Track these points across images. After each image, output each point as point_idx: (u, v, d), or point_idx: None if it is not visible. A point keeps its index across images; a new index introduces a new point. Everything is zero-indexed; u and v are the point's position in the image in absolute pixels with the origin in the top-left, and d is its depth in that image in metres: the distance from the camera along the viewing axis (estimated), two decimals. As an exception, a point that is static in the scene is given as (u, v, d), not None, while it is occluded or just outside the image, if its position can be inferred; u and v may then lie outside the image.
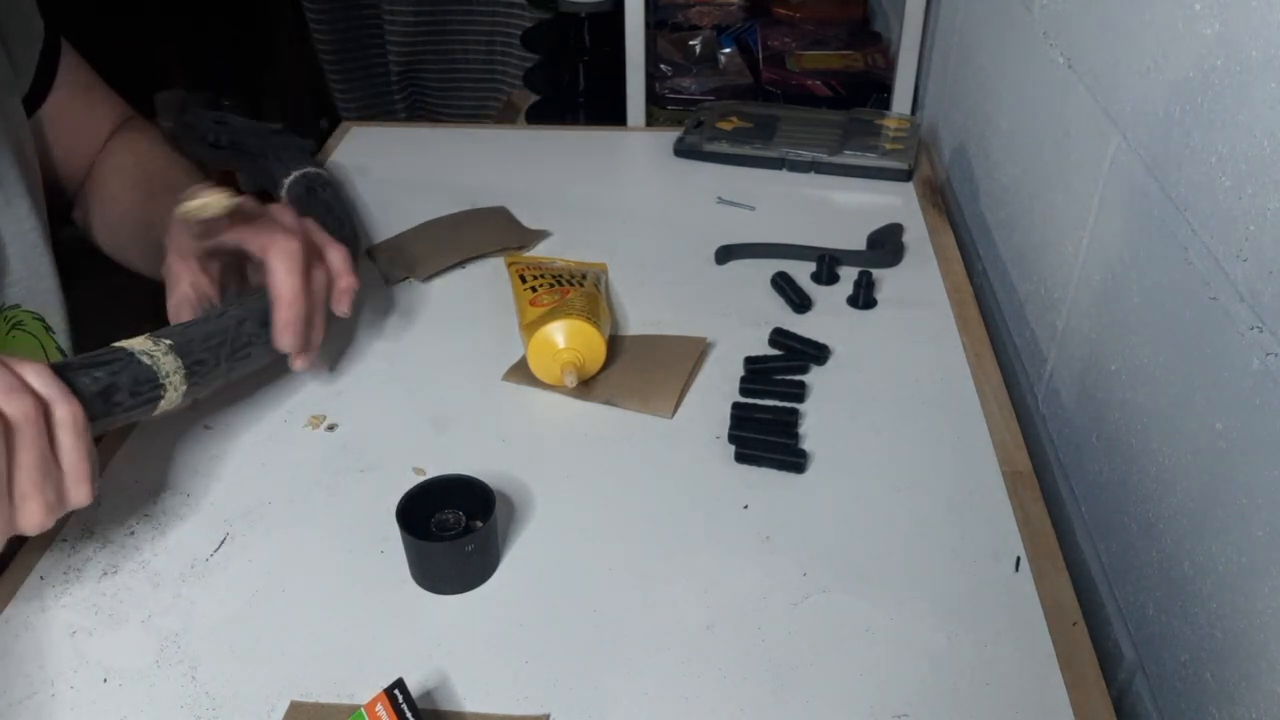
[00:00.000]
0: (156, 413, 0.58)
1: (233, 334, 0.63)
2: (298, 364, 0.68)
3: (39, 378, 0.51)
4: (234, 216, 0.66)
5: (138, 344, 0.58)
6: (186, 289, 0.67)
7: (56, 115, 0.80)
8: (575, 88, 1.51)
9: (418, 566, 0.60)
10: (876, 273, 0.87)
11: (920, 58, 1.23)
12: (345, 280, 0.69)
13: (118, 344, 0.57)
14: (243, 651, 0.56)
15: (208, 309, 0.67)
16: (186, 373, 0.59)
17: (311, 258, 0.67)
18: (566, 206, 0.98)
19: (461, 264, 0.90)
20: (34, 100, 0.78)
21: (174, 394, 0.58)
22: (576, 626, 0.57)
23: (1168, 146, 0.58)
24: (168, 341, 0.59)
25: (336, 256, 0.69)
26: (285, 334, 0.65)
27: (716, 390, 0.74)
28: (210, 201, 0.64)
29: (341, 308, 0.69)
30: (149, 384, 0.57)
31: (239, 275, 0.72)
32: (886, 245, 0.90)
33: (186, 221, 0.65)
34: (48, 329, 0.76)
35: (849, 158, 1.03)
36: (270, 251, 0.65)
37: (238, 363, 0.64)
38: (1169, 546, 0.56)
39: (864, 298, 0.84)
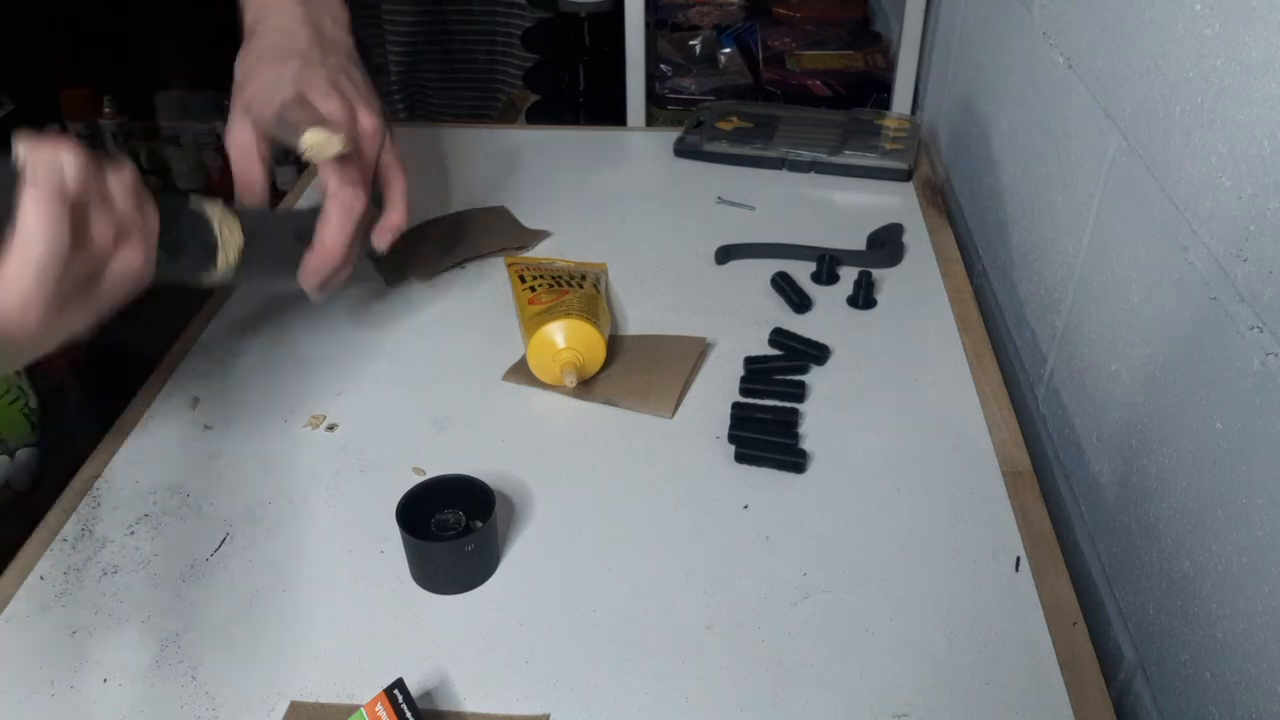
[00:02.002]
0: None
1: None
2: (317, 297, 0.70)
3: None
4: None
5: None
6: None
7: None
8: (575, 88, 1.51)
9: (418, 566, 0.60)
10: (876, 273, 0.87)
11: (920, 58, 1.23)
12: (394, 217, 0.73)
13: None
14: (243, 651, 0.56)
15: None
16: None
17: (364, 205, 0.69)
18: (566, 206, 0.98)
19: (461, 264, 0.90)
20: None
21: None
22: (576, 626, 0.57)
23: (1168, 146, 0.58)
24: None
25: (396, 191, 0.74)
26: (311, 278, 0.67)
27: (716, 390, 0.74)
28: (328, 142, 0.66)
29: (380, 242, 0.73)
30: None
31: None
32: (886, 245, 0.90)
33: (310, 157, 0.67)
34: None
35: (849, 158, 1.03)
36: (332, 202, 0.67)
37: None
38: (1169, 546, 0.56)
39: (864, 298, 0.84)
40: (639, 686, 0.54)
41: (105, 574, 0.61)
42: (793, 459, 0.67)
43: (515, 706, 0.53)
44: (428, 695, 0.53)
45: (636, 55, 1.24)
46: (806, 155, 1.04)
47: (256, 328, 0.82)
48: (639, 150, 1.12)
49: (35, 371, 0.76)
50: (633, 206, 1.00)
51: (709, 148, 1.06)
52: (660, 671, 0.55)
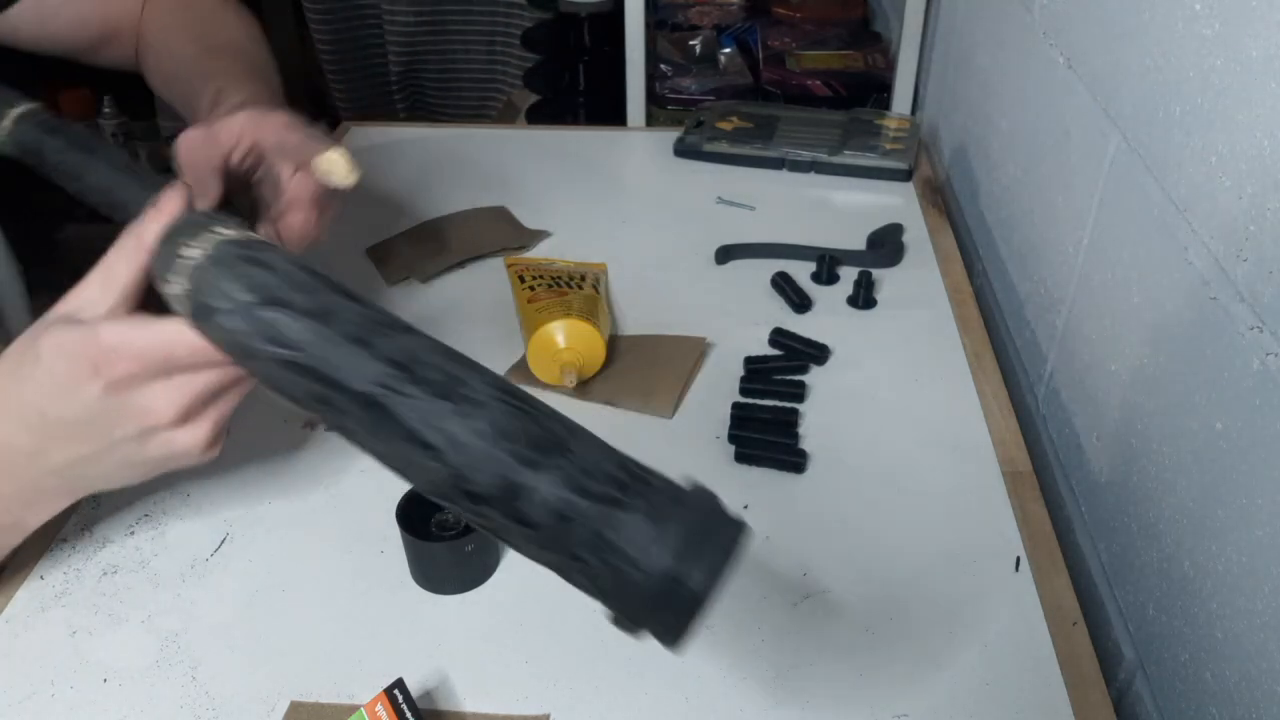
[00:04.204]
0: None
1: None
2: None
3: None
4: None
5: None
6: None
7: None
8: (575, 88, 1.51)
9: (418, 566, 0.60)
10: (876, 273, 0.87)
11: (920, 58, 1.23)
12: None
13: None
14: (243, 651, 0.56)
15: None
16: None
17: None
18: (566, 206, 0.98)
19: (461, 264, 0.90)
20: None
21: None
22: (576, 626, 0.57)
23: (1168, 146, 0.58)
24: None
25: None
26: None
27: (716, 390, 0.74)
28: (346, 165, 0.62)
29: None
30: None
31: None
32: (886, 245, 0.90)
33: (323, 172, 0.63)
34: None
35: (849, 158, 1.03)
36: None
37: None
38: (1169, 546, 0.56)
39: (864, 298, 0.84)
40: (639, 686, 0.54)
41: (105, 574, 0.61)
42: (793, 459, 0.67)
43: (515, 706, 0.53)
44: (428, 695, 0.53)
45: (636, 55, 1.24)
46: (806, 155, 1.04)
47: (256, 328, 0.81)
48: (639, 150, 1.12)
49: None
50: (633, 206, 1.00)
51: (709, 148, 1.06)
52: (660, 671, 0.54)
